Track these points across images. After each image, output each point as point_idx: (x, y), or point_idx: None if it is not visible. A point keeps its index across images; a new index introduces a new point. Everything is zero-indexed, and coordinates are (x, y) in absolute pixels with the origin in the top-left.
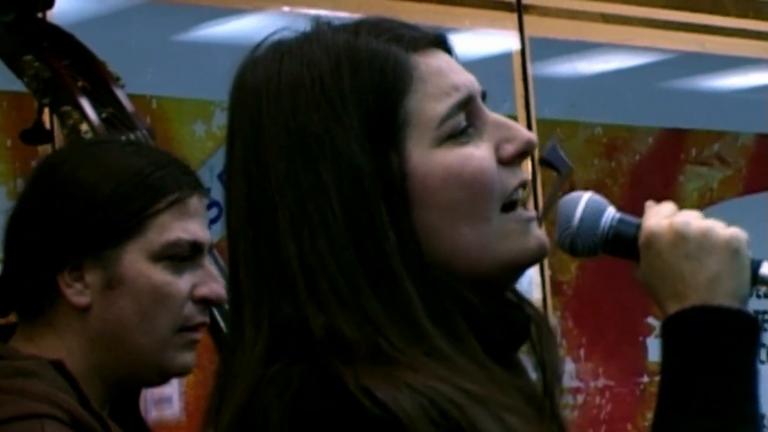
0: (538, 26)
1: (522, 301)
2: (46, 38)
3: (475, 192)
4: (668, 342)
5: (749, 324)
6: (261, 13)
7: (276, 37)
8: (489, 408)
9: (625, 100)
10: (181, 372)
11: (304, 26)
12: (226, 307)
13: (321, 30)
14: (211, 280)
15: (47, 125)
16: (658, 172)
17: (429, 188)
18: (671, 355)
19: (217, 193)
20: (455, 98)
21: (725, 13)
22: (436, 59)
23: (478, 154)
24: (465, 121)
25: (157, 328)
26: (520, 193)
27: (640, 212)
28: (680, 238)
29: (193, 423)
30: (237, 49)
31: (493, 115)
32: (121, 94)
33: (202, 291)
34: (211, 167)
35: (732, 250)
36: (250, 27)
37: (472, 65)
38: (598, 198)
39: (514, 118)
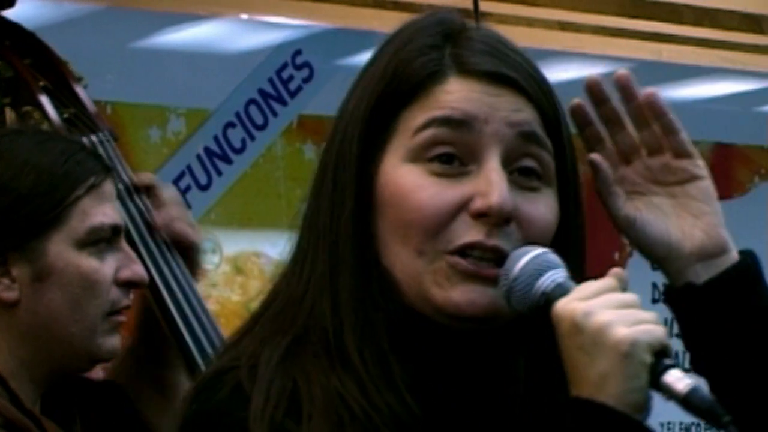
0: None
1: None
2: (8, 37)
3: (410, 222)
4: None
5: (634, 429)
6: (218, 20)
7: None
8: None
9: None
10: (109, 356)
11: (261, 33)
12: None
13: (425, 22)
14: (132, 262)
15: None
16: None
17: (384, 199)
18: None
19: None
20: (442, 113)
21: (681, 21)
22: (472, 86)
23: (433, 190)
24: (456, 152)
25: (88, 316)
26: (477, 253)
27: (592, 221)
28: (577, 329)
29: None
30: (193, 56)
31: (492, 165)
32: (83, 94)
33: (126, 274)
34: (166, 172)
35: (622, 353)
36: (207, 34)
37: None
38: (547, 256)
39: None
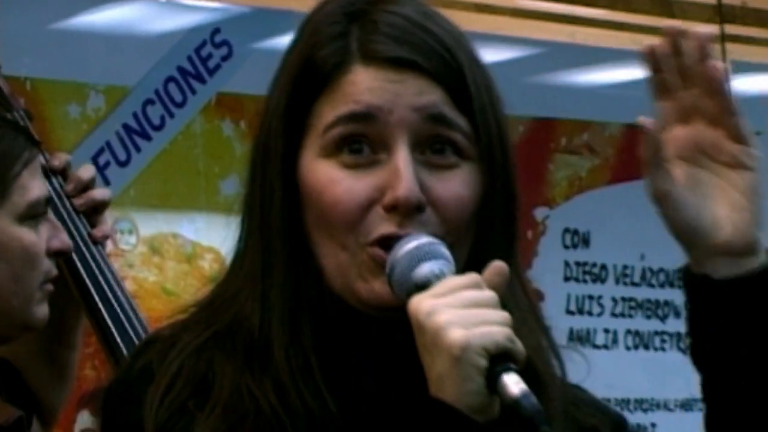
0: None
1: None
2: None
3: (329, 218)
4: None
5: (472, 429)
6: (135, 2)
7: None
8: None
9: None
10: (41, 324)
11: (180, 15)
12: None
13: (332, 2)
14: (59, 232)
15: None
16: (528, 160)
17: (305, 194)
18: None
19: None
20: (347, 109)
21: (595, 4)
22: (374, 74)
23: (346, 184)
24: (366, 142)
25: (27, 288)
26: (380, 253)
27: None
28: (420, 328)
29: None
30: (113, 36)
31: (400, 155)
32: None
33: (56, 244)
34: (85, 148)
35: (453, 357)
36: (126, 15)
37: None
38: (432, 248)
39: None
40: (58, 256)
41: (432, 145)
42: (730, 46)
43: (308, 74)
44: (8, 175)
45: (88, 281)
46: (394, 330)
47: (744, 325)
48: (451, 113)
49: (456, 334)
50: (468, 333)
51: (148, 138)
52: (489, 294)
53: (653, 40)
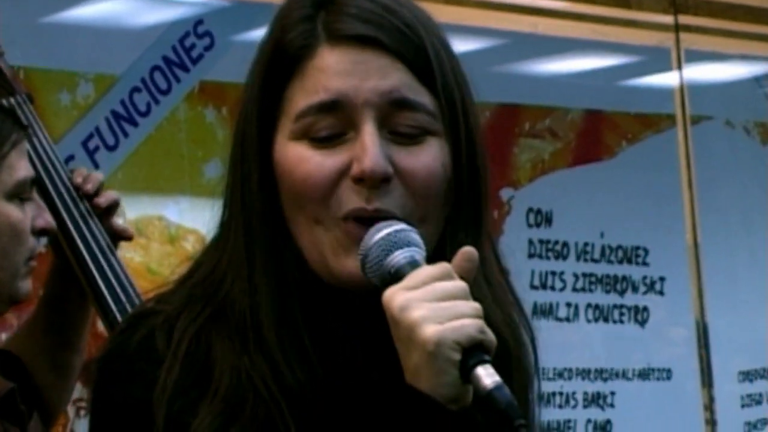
0: None
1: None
2: None
3: (301, 193)
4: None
5: (446, 419)
6: None
7: None
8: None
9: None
10: (25, 297)
11: (165, 9)
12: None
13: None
14: (44, 212)
15: None
16: (494, 144)
17: (279, 175)
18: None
19: (81, 158)
20: (317, 98)
21: None
22: (339, 55)
23: (315, 160)
24: (331, 126)
25: (13, 263)
26: (363, 215)
27: None
28: (394, 322)
29: None
30: (100, 29)
31: (365, 131)
32: (1, 61)
33: (40, 223)
34: (76, 134)
35: (428, 352)
36: (112, 9)
37: None
38: (403, 235)
39: None
40: (42, 234)
41: (396, 125)
42: (683, 36)
43: (278, 59)
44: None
45: (88, 258)
46: (373, 304)
47: None
48: (414, 93)
49: (430, 330)
50: (441, 328)
51: (134, 124)
52: (460, 285)
53: (611, 30)
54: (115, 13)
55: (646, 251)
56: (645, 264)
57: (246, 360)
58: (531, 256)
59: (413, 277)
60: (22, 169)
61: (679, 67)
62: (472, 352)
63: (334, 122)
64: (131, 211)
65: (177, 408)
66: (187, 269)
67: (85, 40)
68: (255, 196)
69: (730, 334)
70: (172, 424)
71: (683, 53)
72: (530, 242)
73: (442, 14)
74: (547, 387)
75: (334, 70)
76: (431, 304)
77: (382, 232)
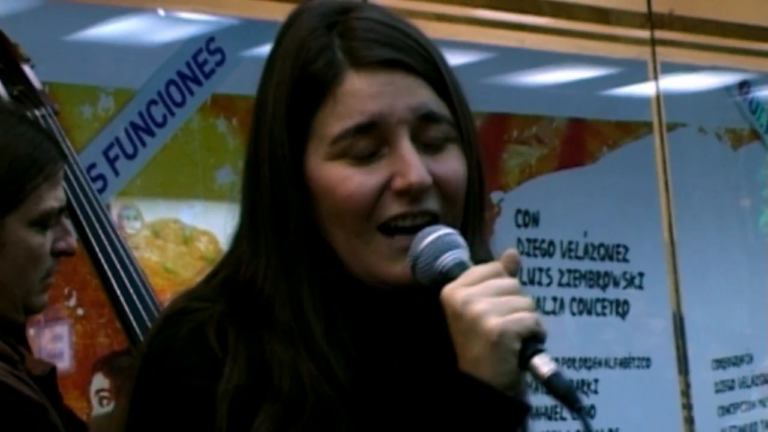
0: None
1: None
2: None
3: (343, 210)
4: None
5: (505, 404)
6: (140, 16)
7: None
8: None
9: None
10: (40, 309)
11: (179, 27)
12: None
13: (312, 10)
14: (67, 235)
15: None
16: (484, 150)
17: (316, 192)
18: (443, 404)
19: (102, 166)
20: (353, 122)
21: (541, 13)
22: (368, 80)
23: (357, 179)
24: (367, 146)
25: (29, 281)
26: (408, 222)
27: None
28: (456, 315)
29: (81, 370)
30: (119, 46)
31: (404, 147)
32: (30, 73)
33: (61, 246)
34: (97, 144)
35: (492, 342)
36: (130, 28)
37: None
38: (449, 238)
39: None
40: (62, 255)
41: (425, 137)
42: (659, 49)
43: (305, 87)
44: (28, 186)
45: (103, 261)
46: (412, 304)
47: None
48: (437, 106)
49: (493, 322)
50: (503, 320)
51: (152, 134)
52: (513, 282)
53: (593, 45)
54: (133, 32)
55: (626, 248)
56: (625, 260)
57: (302, 365)
58: (519, 253)
59: (469, 275)
60: (50, 200)
61: (656, 78)
62: (530, 342)
63: (370, 141)
64: (149, 215)
65: (239, 405)
66: (214, 275)
67: (105, 56)
68: (293, 215)
69: (705, 324)
70: (234, 420)
71: (659, 65)
72: (519, 241)
73: (436, 31)
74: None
75: (367, 93)
76: (491, 298)
77: (431, 236)
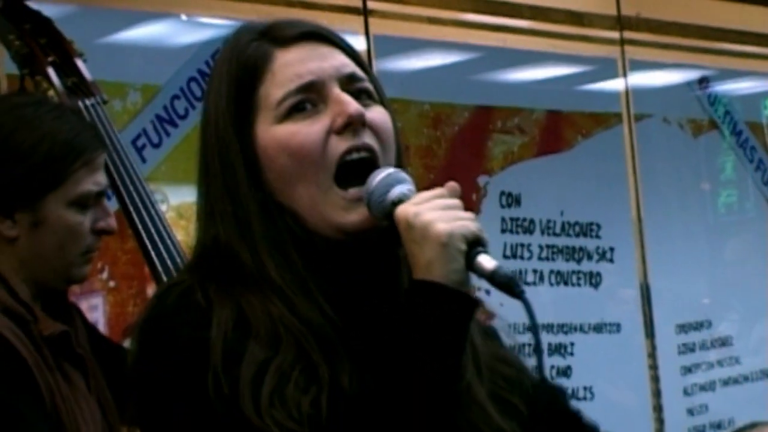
0: (379, 27)
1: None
2: (28, 21)
3: (300, 159)
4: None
5: (460, 298)
6: (164, 21)
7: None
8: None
9: (447, 83)
10: (81, 280)
11: (199, 30)
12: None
13: (242, 29)
14: (106, 216)
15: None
16: (472, 139)
17: (269, 157)
18: (401, 312)
19: (132, 156)
20: (294, 84)
21: (522, 16)
22: (295, 52)
23: (304, 129)
24: (306, 100)
25: (68, 255)
26: (355, 155)
27: (456, 171)
28: (409, 226)
29: (114, 335)
30: (146, 47)
31: (338, 93)
32: (82, 66)
33: (101, 225)
34: (126, 134)
35: (441, 243)
36: (155, 31)
37: None
38: (398, 174)
39: None
40: (102, 234)
41: (352, 91)
42: (628, 48)
43: (243, 73)
44: (67, 170)
45: (141, 229)
46: (362, 251)
47: None
48: (356, 69)
49: (441, 227)
50: (450, 225)
51: (175, 125)
52: (456, 200)
53: (568, 44)
54: (159, 35)
55: (599, 226)
56: (598, 237)
57: (272, 307)
58: (503, 231)
59: (418, 196)
60: (88, 184)
61: (624, 74)
62: (475, 244)
63: (307, 100)
64: (174, 198)
65: (229, 345)
66: (192, 254)
67: (134, 56)
68: (242, 186)
69: (669, 294)
70: (228, 355)
71: (627, 62)
72: (502, 220)
73: (426, 32)
74: (520, 339)
75: (297, 61)
76: (439, 211)
77: (382, 174)
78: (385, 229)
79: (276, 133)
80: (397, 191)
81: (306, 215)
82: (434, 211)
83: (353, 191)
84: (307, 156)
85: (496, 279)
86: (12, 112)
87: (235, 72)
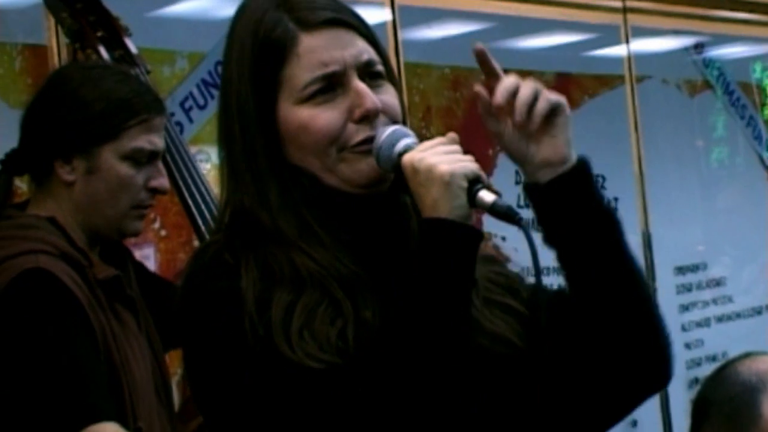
0: None
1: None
2: (80, 1)
3: (319, 140)
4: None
5: (465, 230)
6: None
7: None
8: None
9: (465, 49)
10: (133, 234)
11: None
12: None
13: (254, 3)
14: (160, 176)
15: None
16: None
17: (289, 132)
18: (416, 247)
19: (180, 116)
20: (319, 72)
21: None
22: (319, 38)
23: (324, 114)
24: (327, 87)
25: (119, 205)
26: (365, 146)
27: (474, 129)
28: (414, 170)
29: (166, 272)
30: (192, 18)
31: (358, 84)
32: (128, 40)
33: (153, 183)
34: (174, 98)
35: (445, 182)
36: (200, 5)
37: None
38: (401, 129)
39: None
40: (154, 192)
41: (367, 76)
42: (630, 16)
43: (268, 52)
44: (122, 125)
45: (184, 189)
46: (375, 204)
47: (564, 210)
48: (372, 53)
49: (444, 168)
50: (452, 166)
51: (218, 88)
52: (456, 146)
53: (576, 13)
54: (203, 8)
55: (604, 178)
56: (603, 188)
57: (294, 257)
58: (517, 183)
59: (421, 146)
60: (142, 140)
61: (627, 40)
62: (475, 182)
63: (329, 85)
64: (216, 157)
65: (259, 292)
66: (220, 214)
67: (181, 27)
68: (260, 152)
69: (667, 239)
70: (259, 302)
71: (630, 29)
72: (516, 173)
73: (446, 2)
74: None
75: (323, 47)
76: (440, 155)
77: (388, 130)
78: (393, 182)
79: (298, 114)
80: (402, 144)
81: (322, 176)
82: (437, 156)
83: (362, 147)
84: (325, 138)
85: (495, 210)
86: (82, 71)
87: (259, 48)
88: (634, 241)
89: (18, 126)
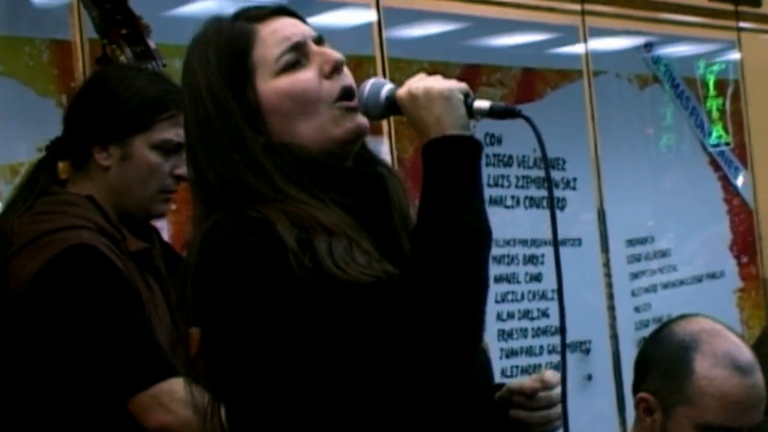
0: (388, 0)
1: (374, 160)
2: (109, 2)
3: (303, 101)
4: (423, 165)
5: (470, 141)
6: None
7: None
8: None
9: (442, 46)
10: (160, 215)
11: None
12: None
13: (212, 21)
14: (184, 164)
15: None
16: None
17: (273, 104)
18: (424, 173)
19: None
20: (286, 44)
21: None
22: (274, 23)
23: (302, 76)
24: (297, 57)
25: (148, 189)
26: (348, 95)
27: None
28: (413, 96)
29: (176, 247)
30: (202, 18)
31: (317, 48)
32: (148, 37)
33: (178, 171)
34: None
35: (444, 97)
36: (210, 7)
37: (350, 30)
38: (379, 80)
39: (373, 58)
40: (180, 179)
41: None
42: (588, 18)
43: (232, 45)
44: (154, 119)
45: None
46: (361, 176)
47: None
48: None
49: (440, 85)
50: (447, 83)
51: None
52: (440, 77)
53: (539, 14)
54: (213, 9)
55: (564, 161)
56: (563, 169)
57: (313, 211)
58: (487, 165)
59: (410, 80)
60: (170, 133)
61: (585, 39)
62: (467, 95)
63: (296, 55)
64: None
65: (296, 233)
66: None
67: (194, 24)
68: (247, 133)
69: (620, 215)
70: (299, 240)
71: (587, 29)
72: (487, 156)
73: (424, 3)
74: (498, 252)
75: (281, 27)
76: (431, 80)
77: (368, 84)
78: (356, 156)
79: (278, 84)
80: (386, 89)
81: (312, 143)
82: (428, 80)
83: (346, 103)
84: (308, 97)
85: (495, 111)
86: (120, 71)
87: (224, 46)
88: (590, 217)
89: (43, 111)
